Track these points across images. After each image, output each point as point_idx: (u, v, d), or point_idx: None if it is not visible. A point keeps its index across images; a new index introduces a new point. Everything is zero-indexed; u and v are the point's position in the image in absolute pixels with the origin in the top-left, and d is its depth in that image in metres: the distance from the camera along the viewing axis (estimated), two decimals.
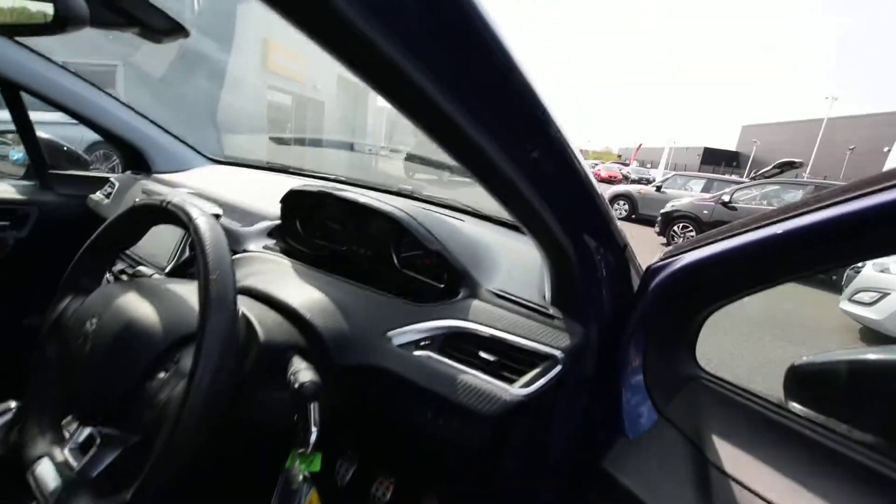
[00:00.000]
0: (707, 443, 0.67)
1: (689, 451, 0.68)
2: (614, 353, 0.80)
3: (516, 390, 0.78)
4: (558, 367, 0.79)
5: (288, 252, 1.17)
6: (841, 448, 0.60)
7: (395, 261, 1.10)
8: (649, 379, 0.78)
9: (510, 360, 0.82)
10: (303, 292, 0.92)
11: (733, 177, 16.79)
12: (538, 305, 0.89)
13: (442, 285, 1.02)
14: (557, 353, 0.79)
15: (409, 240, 1.04)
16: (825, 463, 0.60)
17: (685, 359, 0.78)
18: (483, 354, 0.84)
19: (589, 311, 0.81)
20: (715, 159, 53.94)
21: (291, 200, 1.21)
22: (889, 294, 3.24)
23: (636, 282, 0.79)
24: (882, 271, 3.41)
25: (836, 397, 0.73)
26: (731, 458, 0.64)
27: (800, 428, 0.64)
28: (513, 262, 1.02)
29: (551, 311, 0.86)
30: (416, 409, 0.86)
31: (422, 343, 0.89)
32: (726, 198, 8.49)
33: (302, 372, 0.70)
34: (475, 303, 0.91)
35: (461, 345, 0.87)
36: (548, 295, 0.88)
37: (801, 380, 0.75)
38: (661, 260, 0.77)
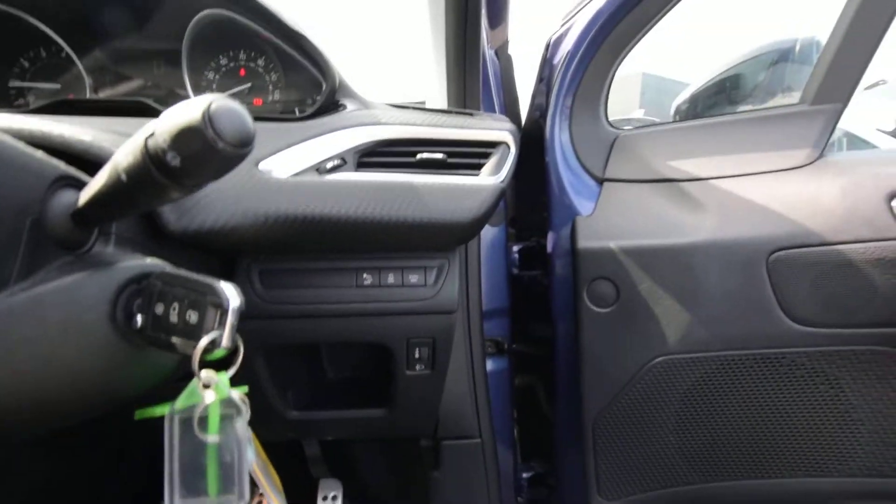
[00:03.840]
0: (662, 170, 0.70)
1: (646, 190, 0.71)
2: (541, 140, 0.74)
3: (490, 179, 0.60)
4: (513, 153, 0.65)
5: None
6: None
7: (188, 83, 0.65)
8: (581, 154, 0.76)
9: (458, 157, 0.62)
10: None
11: None
12: (448, 108, 0.71)
13: (308, 105, 0.67)
14: (507, 136, 0.65)
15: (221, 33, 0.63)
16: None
17: (604, 120, 0.80)
18: (425, 155, 0.60)
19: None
20: None
21: None
22: None
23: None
24: None
25: None
26: (681, 168, 0.70)
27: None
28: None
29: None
30: (349, 276, 0.57)
31: (329, 166, 0.56)
32: None
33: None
34: (374, 112, 0.64)
35: (389, 154, 0.60)
36: (444, 99, 0.72)
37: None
38: (560, 27, 0.74)
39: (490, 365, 0.89)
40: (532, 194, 0.89)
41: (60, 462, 0.56)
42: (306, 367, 0.71)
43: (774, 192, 0.65)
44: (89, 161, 0.40)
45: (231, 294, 0.31)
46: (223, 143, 0.25)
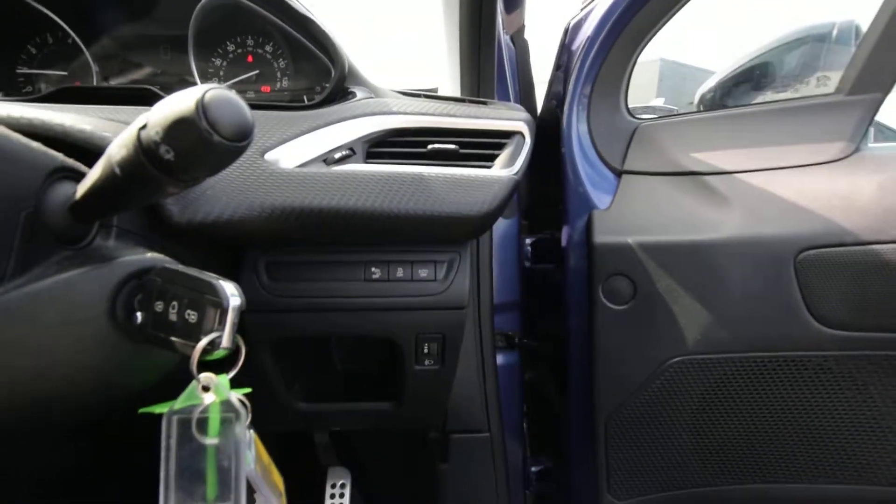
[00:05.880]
0: (684, 163, 0.67)
1: (666, 183, 0.68)
2: (557, 130, 0.71)
3: (504, 172, 0.58)
4: (528, 144, 0.63)
5: None
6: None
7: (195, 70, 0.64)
8: (599, 145, 0.73)
9: (471, 148, 0.60)
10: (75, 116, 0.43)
11: None
12: (461, 97, 0.69)
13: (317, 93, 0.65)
14: (523, 126, 0.63)
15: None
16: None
17: (624, 110, 0.76)
18: (437, 146, 0.58)
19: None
20: None
21: None
22: None
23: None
24: None
25: None
26: (701, 160, 0.67)
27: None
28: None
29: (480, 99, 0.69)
30: (357, 270, 0.57)
31: (337, 156, 0.54)
32: None
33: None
34: (384, 100, 0.62)
35: (400, 144, 0.58)
36: (456, 86, 0.69)
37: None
38: (580, 11, 0.71)
39: (500, 359, 0.88)
40: (546, 186, 0.86)
41: (62, 458, 0.57)
42: (314, 360, 0.71)
43: (805, 187, 0.62)
44: (90, 151, 0.39)
45: (231, 293, 0.30)
46: (218, 137, 0.23)
